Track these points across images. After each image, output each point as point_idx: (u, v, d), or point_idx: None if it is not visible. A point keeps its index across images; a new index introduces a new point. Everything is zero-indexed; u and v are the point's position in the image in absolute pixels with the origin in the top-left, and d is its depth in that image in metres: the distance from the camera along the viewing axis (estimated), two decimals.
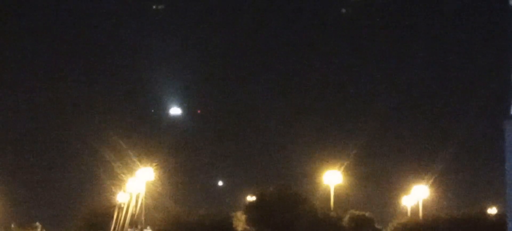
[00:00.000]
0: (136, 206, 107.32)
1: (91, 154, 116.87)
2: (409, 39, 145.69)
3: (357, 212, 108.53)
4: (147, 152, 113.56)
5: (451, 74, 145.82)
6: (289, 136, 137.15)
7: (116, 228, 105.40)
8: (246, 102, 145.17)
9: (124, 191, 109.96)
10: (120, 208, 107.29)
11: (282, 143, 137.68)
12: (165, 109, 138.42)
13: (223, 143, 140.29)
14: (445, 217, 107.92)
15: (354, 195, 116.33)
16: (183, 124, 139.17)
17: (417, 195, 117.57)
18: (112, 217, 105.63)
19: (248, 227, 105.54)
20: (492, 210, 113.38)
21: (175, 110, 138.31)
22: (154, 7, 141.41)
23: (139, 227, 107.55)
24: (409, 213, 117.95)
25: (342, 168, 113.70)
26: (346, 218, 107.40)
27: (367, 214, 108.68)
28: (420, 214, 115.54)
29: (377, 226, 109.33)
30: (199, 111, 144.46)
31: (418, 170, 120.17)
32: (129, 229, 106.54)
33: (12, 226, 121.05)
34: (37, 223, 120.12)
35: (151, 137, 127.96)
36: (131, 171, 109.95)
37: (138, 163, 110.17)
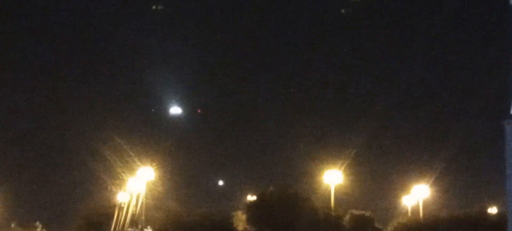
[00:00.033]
0: (136, 205, 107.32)
1: (91, 153, 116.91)
2: (409, 39, 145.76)
3: (357, 212, 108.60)
4: (148, 151, 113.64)
5: (451, 74, 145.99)
6: (289, 136, 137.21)
7: (117, 228, 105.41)
8: (246, 102, 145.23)
9: (124, 191, 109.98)
10: (121, 208, 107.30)
11: (282, 143, 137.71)
12: (165, 109, 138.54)
13: (223, 143, 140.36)
14: (445, 216, 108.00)
15: (354, 195, 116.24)
16: (183, 123, 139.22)
17: (417, 195, 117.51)
18: (113, 216, 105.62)
19: (248, 227, 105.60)
20: (492, 210, 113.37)
21: (175, 110, 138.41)
22: (154, 7, 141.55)
23: (139, 226, 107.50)
24: (409, 213, 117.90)
25: (343, 167, 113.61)
26: (346, 218, 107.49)
27: (367, 213, 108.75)
28: (421, 213, 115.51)
29: (378, 225, 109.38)
30: (199, 111, 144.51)
31: (418, 170, 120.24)
32: (129, 229, 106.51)
33: (13, 225, 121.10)
34: (37, 223, 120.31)
35: (152, 136, 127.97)
36: (131, 170, 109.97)
37: (138, 162, 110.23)
